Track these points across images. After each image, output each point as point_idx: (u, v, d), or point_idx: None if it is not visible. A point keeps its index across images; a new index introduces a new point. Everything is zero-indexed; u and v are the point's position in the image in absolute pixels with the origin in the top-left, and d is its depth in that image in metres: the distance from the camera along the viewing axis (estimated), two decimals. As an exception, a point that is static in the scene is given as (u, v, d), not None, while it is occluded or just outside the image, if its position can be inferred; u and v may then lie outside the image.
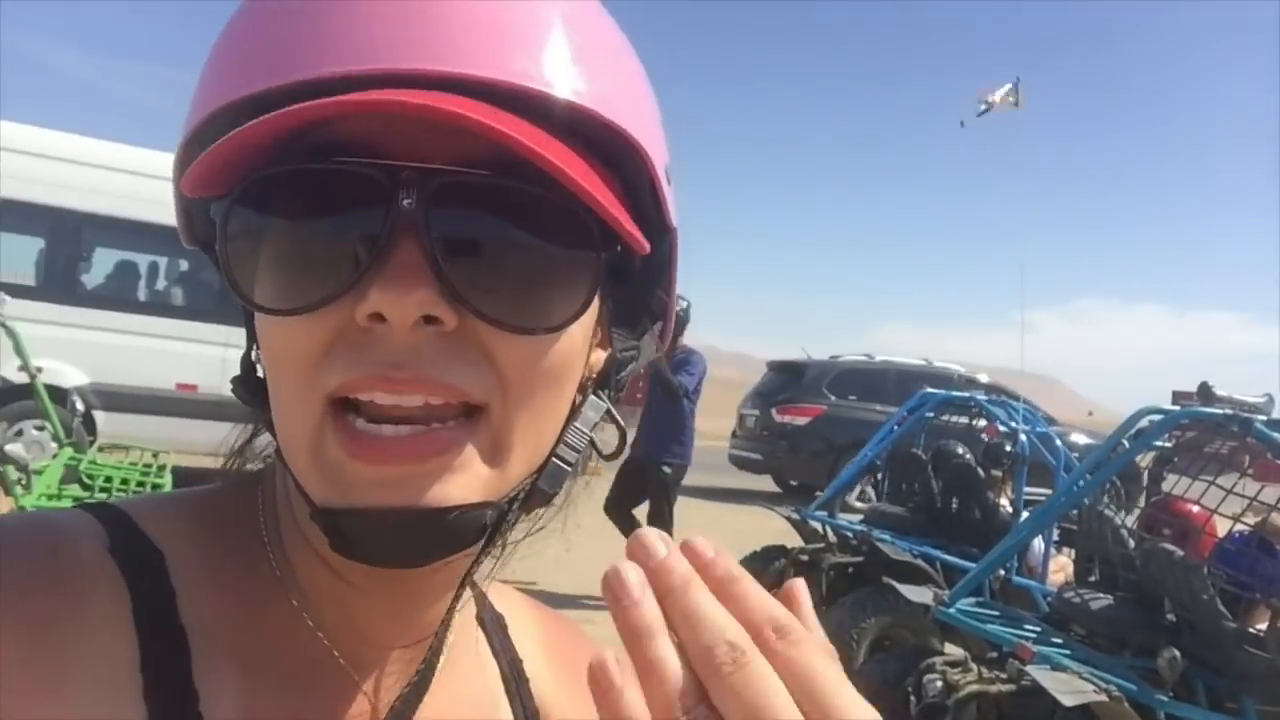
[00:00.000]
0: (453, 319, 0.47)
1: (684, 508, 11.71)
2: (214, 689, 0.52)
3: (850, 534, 5.81)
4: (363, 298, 0.47)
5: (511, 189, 0.48)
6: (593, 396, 0.58)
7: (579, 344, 0.54)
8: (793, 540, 6.17)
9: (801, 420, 13.01)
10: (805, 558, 5.79)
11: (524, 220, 0.49)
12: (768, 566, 5.92)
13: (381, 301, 0.46)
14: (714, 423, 29.06)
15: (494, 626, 0.70)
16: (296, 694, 0.56)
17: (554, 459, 0.55)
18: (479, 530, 0.51)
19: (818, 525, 6.16)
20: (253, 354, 0.57)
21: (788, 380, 13.83)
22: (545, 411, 0.53)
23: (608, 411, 0.59)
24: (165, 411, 7.93)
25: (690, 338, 6.99)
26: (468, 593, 0.63)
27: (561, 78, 0.49)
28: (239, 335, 0.60)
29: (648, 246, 0.51)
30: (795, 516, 6.26)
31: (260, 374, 0.55)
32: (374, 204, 0.47)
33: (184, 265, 8.43)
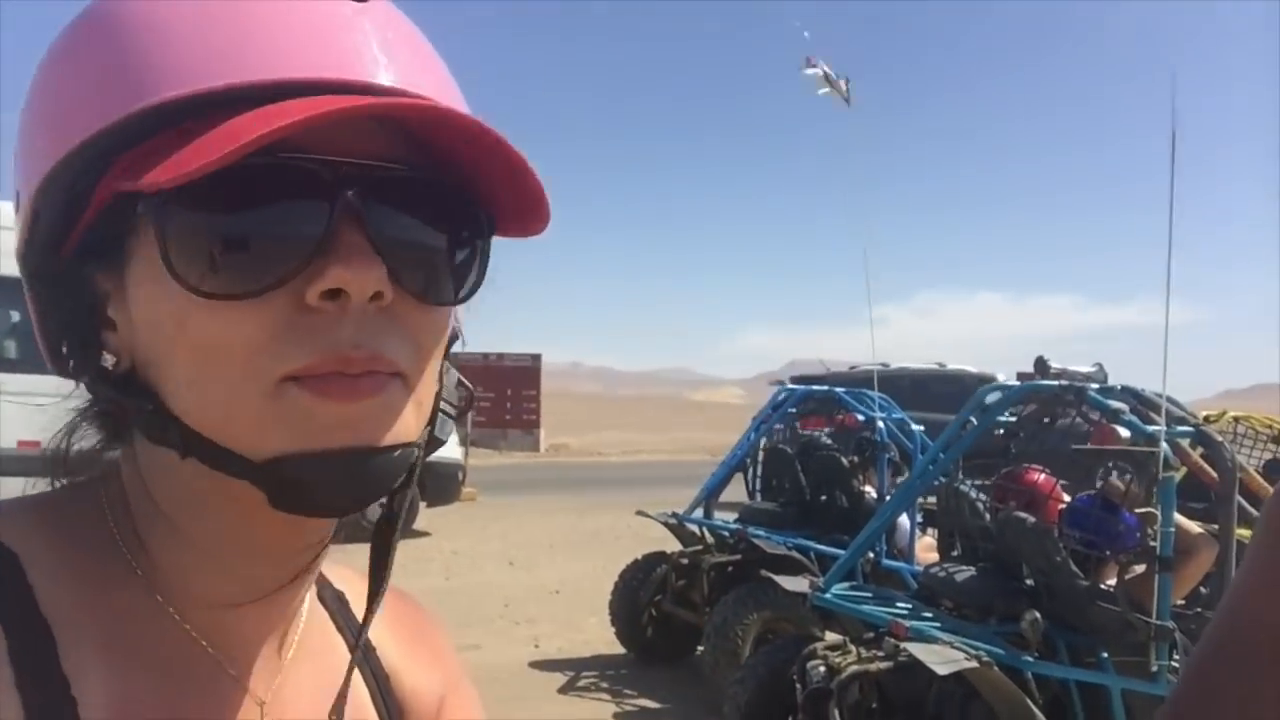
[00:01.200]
0: (390, 295, 0.54)
1: (559, 520, 11.74)
2: (83, 676, 0.55)
3: (727, 533, 5.93)
4: (320, 275, 0.52)
5: (430, 182, 0.57)
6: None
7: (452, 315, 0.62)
8: (672, 545, 6.26)
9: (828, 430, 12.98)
10: (686, 561, 5.89)
11: (437, 209, 0.57)
12: (649, 573, 6.00)
13: (343, 276, 0.51)
14: (585, 439, 29.16)
15: (336, 604, 0.74)
16: (166, 681, 0.59)
17: (440, 410, 0.63)
18: (409, 470, 0.58)
19: (695, 528, 6.27)
20: (104, 351, 0.59)
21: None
22: (435, 372, 0.60)
23: (455, 374, 0.66)
24: (6, 471, 7.45)
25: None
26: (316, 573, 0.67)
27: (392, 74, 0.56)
28: (77, 386, 0.62)
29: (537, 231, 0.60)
30: (672, 521, 6.36)
31: (110, 365, 0.59)
32: (318, 197, 0.53)
33: (15, 316, 7.95)
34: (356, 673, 0.69)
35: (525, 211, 0.59)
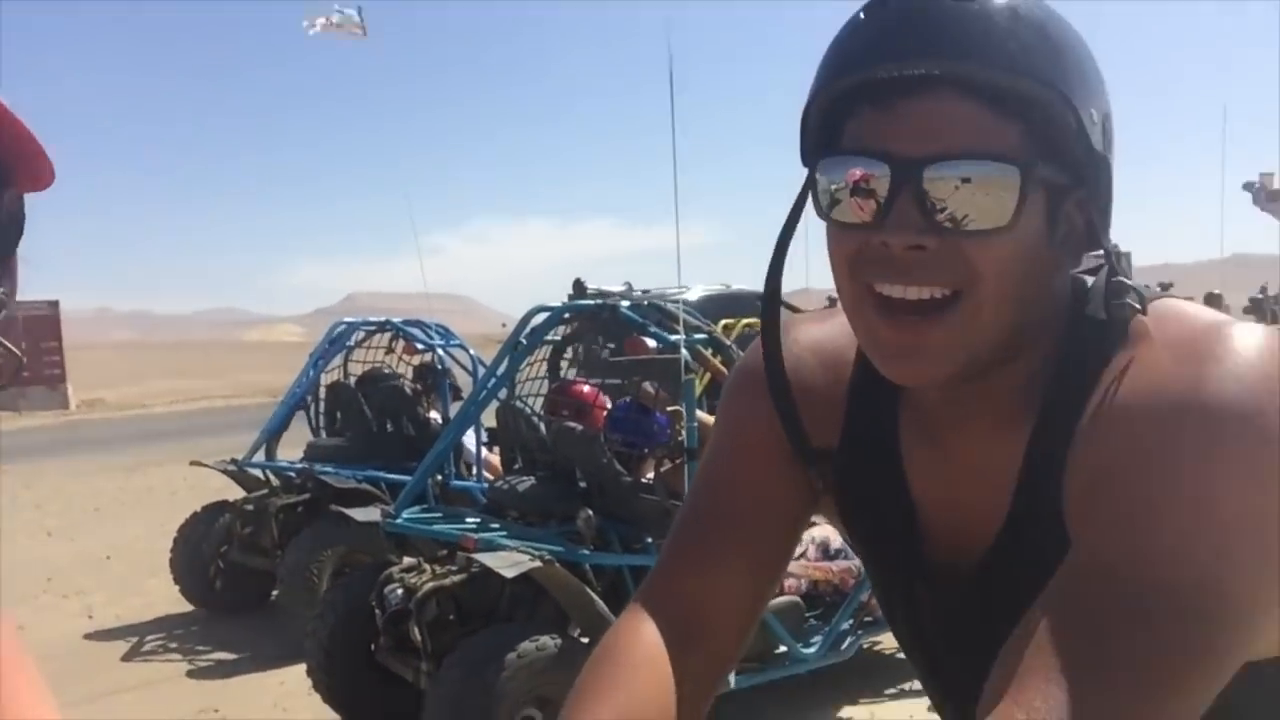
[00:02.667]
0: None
1: (103, 482, 10.71)
2: None
3: (293, 473, 5.82)
4: None
5: None
6: None
7: None
8: (235, 494, 6.02)
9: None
10: (251, 506, 5.70)
11: None
12: (212, 525, 5.74)
13: None
14: (123, 391, 26.46)
15: None
16: None
17: None
18: None
19: (258, 472, 6.07)
20: None
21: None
22: None
23: None
24: None
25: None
26: None
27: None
28: None
29: None
30: (232, 468, 6.11)
31: None
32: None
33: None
34: None
35: (25, 164, 0.60)
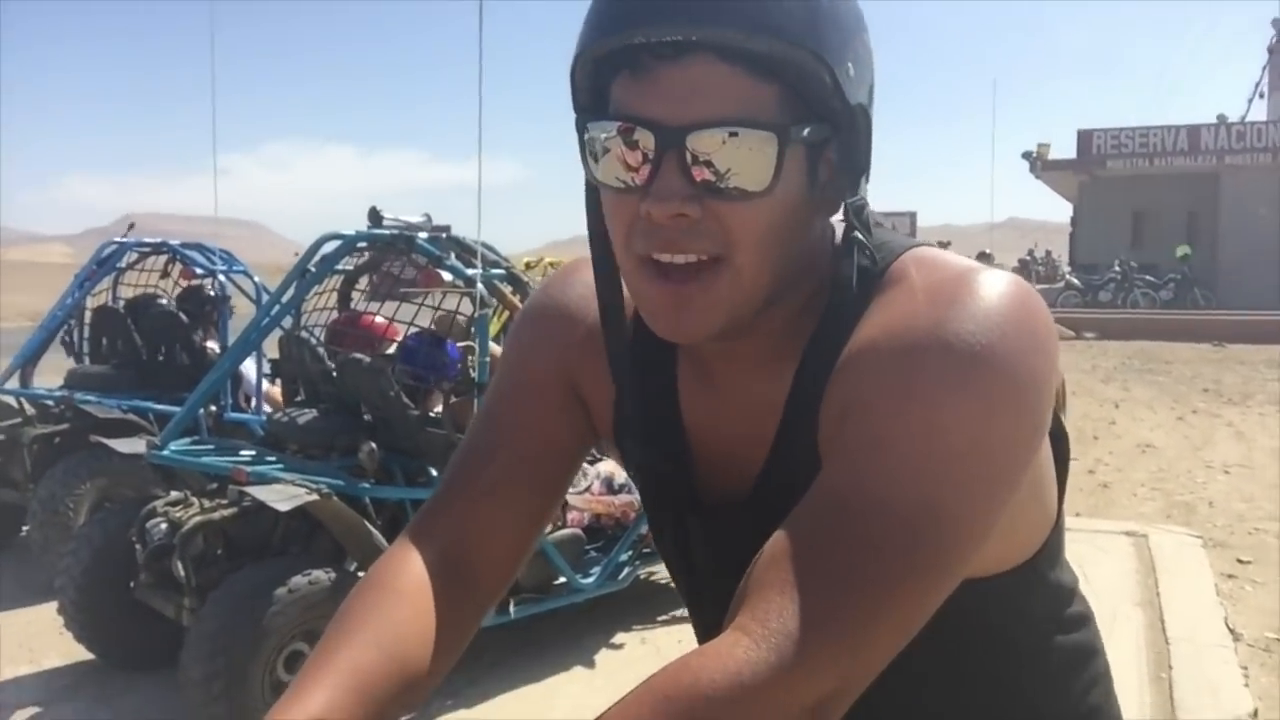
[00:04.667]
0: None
1: None
2: None
3: (51, 402, 5.40)
4: None
5: None
6: None
7: None
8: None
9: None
10: (2, 436, 5.26)
11: None
12: (-45, 457, 5.27)
13: None
14: None
15: None
16: None
17: None
18: None
19: (11, 400, 5.60)
20: None
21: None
22: None
23: None
24: None
25: None
26: None
27: None
28: None
29: None
30: (-20, 395, 5.61)
31: None
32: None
33: None
34: None
35: None
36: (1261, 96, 30.60)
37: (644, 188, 0.75)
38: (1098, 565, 4.87)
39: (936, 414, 0.70)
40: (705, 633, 1.00)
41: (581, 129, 0.79)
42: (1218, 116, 24.99)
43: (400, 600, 0.84)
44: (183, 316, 5.82)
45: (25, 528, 5.05)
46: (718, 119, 0.72)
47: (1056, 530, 0.91)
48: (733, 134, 0.72)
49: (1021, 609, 0.91)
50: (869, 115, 0.79)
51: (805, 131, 0.75)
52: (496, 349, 4.01)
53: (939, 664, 0.87)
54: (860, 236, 0.79)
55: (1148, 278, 23.07)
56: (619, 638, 4.27)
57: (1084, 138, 25.75)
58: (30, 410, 5.47)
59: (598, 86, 0.79)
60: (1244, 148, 24.17)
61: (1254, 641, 4.09)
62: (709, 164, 0.73)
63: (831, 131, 0.77)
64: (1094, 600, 1.03)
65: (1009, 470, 0.72)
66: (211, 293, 6.02)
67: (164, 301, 5.99)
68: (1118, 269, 23.20)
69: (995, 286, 0.75)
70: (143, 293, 6.11)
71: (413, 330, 4.29)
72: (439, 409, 4.03)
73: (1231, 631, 4.17)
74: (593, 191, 0.84)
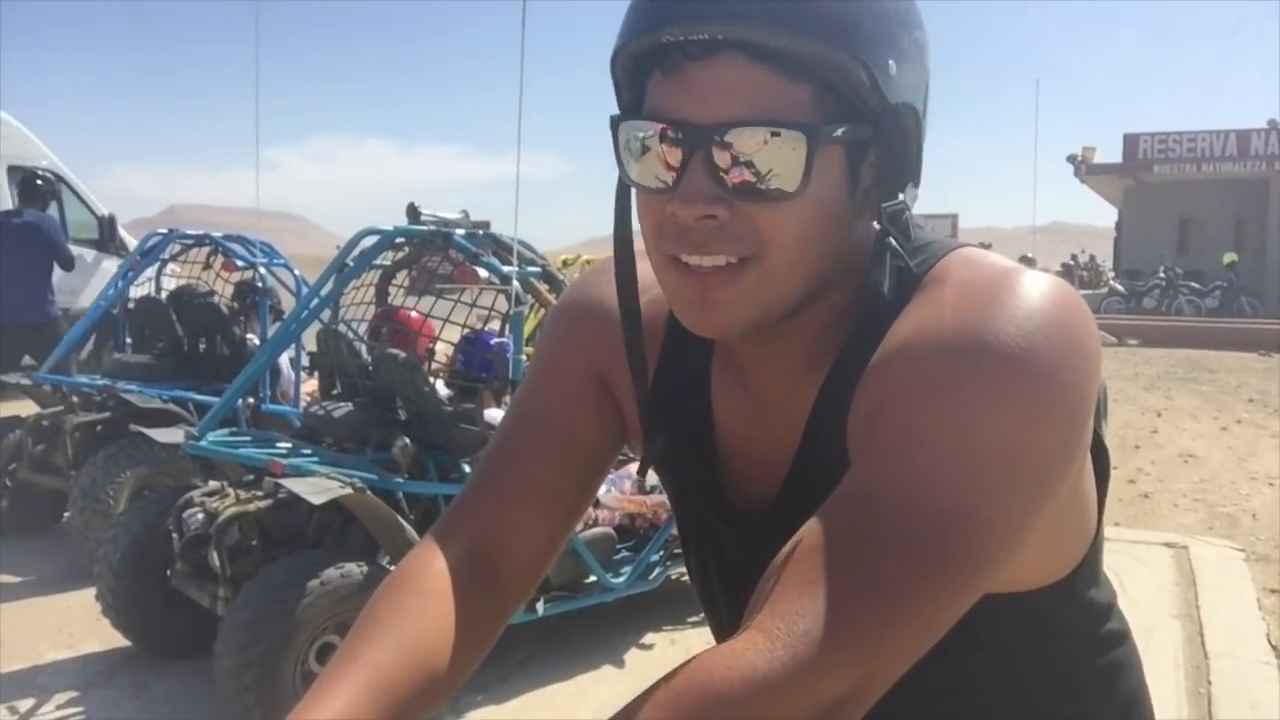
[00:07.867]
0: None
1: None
2: None
3: (93, 390, 5.49)
4: None
5: None
6: None
7: None
8: (29, 410, 5.64)
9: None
10: (46, 423, 5.36)
11: None
12: (1, 441, 5.38)
13: None
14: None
15: None
16: None
17: None
18: None
19: (54, 388, 5.70)
20: None
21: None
22: None
23: None
24: None
25: None
26: None
27: None
28: None
29: None
30: (26, 382, 5.71)
31: None
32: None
33: None
34: None
35: None
36: (1315, 101, 29.94)
37: (672, 188, 0.74)
38: (1136, 576, 4.79)
39: (971, 416, 0.68)
40: (721, 634, 0.99)
41: (614, 128, 0.78)
42: (1269, 121, 24.47)
43: (425, 600, 0.84)
44: (224, 308, 5.89)
45: (66, 513, 5.14)
46: (746, 119, 0.71)
47: (1095, 547, 0.88)
48: (774, 134, 0.71)
49: (1057, 626, 0.89)
50: (918, 116, 0.77)
51: (839, 131, 0.73)
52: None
53: (970, 677, 0.85)
54: (893, 242, 0.77)
55: (1193, 284, 22.71)
56: (649, 638, 4.26)
57: (1130, 141, 25.39)
58: (74, 399, 5.57)
59: (636, 85, 0.78)
60: (1295, 154, 23.71)
61: (1297, 659, 4.01)
62: (750, 164, 0.71)
63: (872, 132, 0.75)
64: (1132, 612, 1.00)
65: (1046, 477, 0.70)
66: (254, 284, 6.09)
67: (206, 292, 6.07)
68: (1163, 275, 22.86)
69: (1037, 287, 0.72)
70: (185, 284, 6.20)
71: (466, 332, 4.33)
72: (491, 408, 4.06)
73: (1274, 648, 4.09)
74: (621, 192, 0.83)
